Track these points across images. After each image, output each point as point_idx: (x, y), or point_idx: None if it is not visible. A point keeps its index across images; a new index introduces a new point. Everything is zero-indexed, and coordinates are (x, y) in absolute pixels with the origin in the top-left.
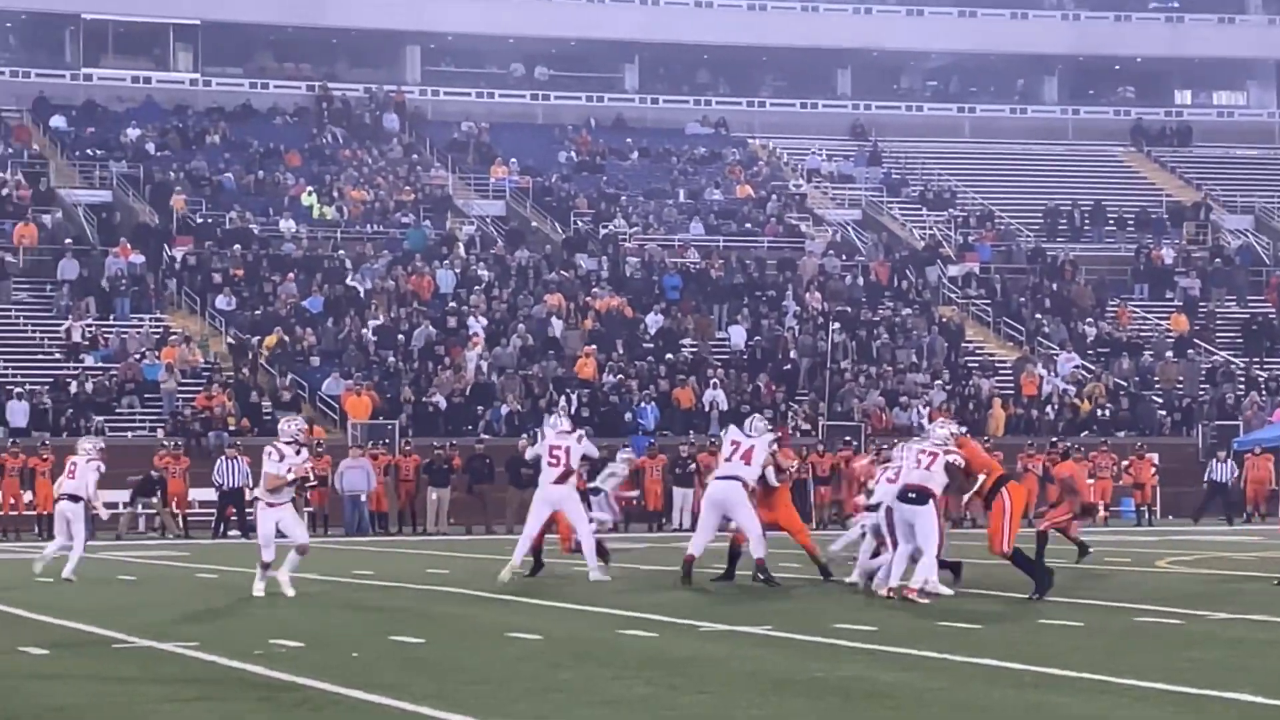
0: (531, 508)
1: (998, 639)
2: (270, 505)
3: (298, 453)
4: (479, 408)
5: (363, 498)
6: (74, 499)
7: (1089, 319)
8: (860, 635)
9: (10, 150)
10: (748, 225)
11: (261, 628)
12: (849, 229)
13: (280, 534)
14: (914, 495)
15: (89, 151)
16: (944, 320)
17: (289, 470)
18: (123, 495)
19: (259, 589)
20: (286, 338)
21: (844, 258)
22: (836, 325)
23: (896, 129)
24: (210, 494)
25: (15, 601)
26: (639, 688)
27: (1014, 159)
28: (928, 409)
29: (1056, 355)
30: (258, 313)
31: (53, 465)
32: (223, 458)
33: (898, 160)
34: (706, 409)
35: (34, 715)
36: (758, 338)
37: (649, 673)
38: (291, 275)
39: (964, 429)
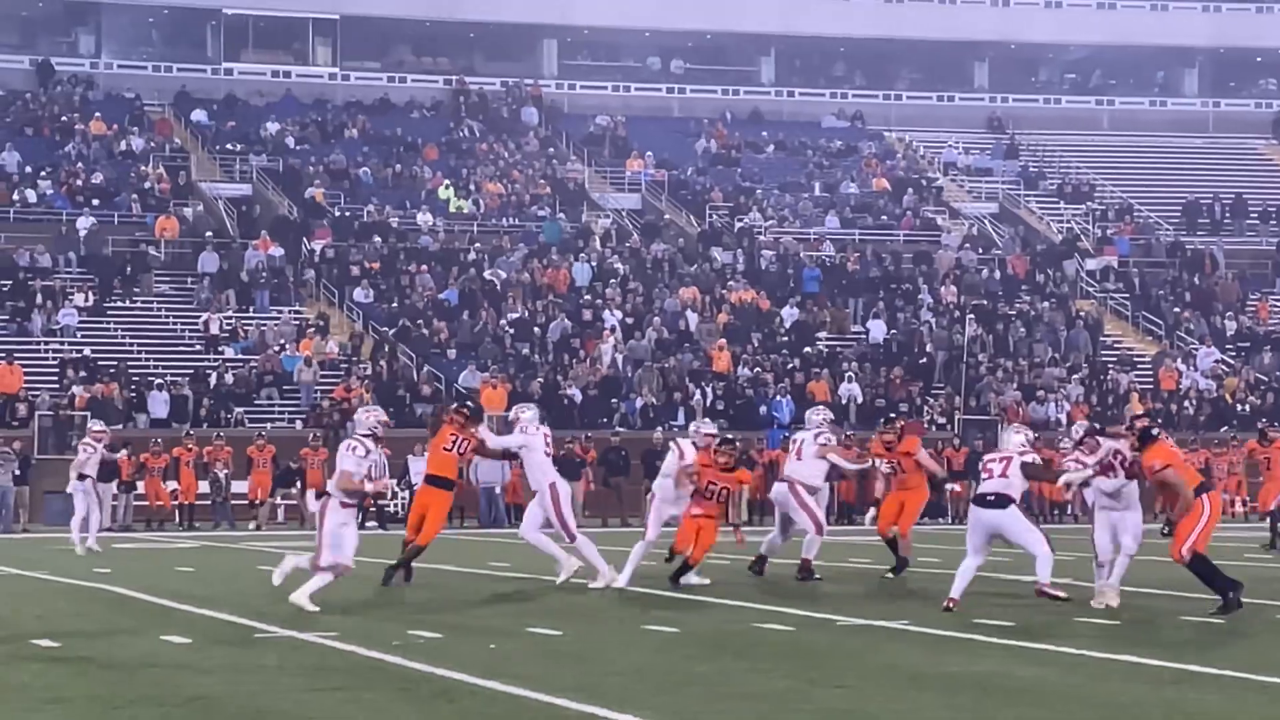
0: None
1: (1136, 635)
2: (344, 505)
3: (376, 443)
4: (613, 400)
5: (497, 489)
6: (82, 478)
7: (1229, 313)
8: (998, 630)
9: (152, 144)
10: (883, 218)
11: (400, 618)
12: (986, 222)
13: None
14: (993, 499)
15: (229, 145)
16: (1082, 314)
17: (369, 476)
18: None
19: (305, 600)
20: (425, 330)
21: (980, 251)
22: (973, 319)
23: (1034, 122)
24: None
25: (158, 591)
26: (776, 681)
27: (1153, 152)
28: (1066, 404)
29: (1196, 350)
30: (394, 305)
31: (195, 457)
32: None
33: (1035, 153)
34: (843, 402)
35: (177, 704)
36: (893, 331)
37: (786, 666)
38: (428, 268)
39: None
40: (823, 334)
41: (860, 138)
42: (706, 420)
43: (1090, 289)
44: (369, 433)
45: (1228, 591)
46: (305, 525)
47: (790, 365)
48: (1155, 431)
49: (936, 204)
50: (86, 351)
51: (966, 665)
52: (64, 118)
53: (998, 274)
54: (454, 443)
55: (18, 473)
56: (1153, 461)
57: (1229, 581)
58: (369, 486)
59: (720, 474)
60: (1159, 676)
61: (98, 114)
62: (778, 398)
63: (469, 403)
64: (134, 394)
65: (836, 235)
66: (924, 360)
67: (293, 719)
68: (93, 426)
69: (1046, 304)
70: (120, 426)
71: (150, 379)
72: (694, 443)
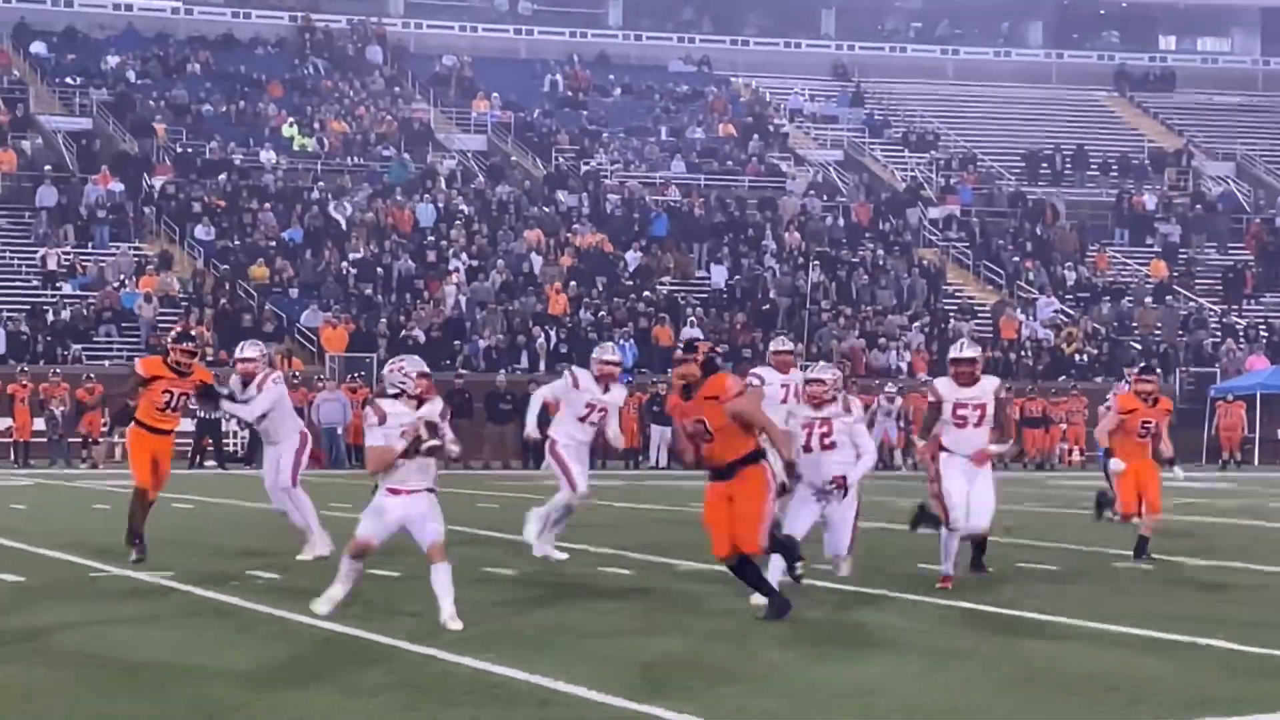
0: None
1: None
2: (393, 491)
3: (418, 407)
4: (456, 342)
5: (339, 430)
6: None
7: (1069, 264)
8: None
9: None
10: (729, 164)
11: (239, 559)
12: (830, 169)
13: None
14: None
15: (69, 79)
16: (924, 262)
17: (400, 433)
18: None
19: (324, 606)
20: (267, 268)
21: (825, 198)
22: (816, 265)
23: (880, 70)
24: (188, 424)
25: None
26: (616, 623)
27: (997, 102)
28: (907, 352)
29: (1036, 299)
30: (237, 243)
31: (30, 393)
32: None
33: (880, 101)
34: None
35: (11, 642)
36: (737, 277)
37: (625, 609)
38: (270, 206)
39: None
40: (666, 279)
41: (707, 83)
42: (609, 345)
43: (933, 238)
44: (398, 390)
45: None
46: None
47: (634, 310)
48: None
49: (782, 150)
50: None
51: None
52: None
53: (841, 221)
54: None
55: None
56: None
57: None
58: (401, 444)
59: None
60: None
61: None
62: (621, 342)
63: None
64: None
65: (682, 180)
66: (767, 306)
67: (130, 658)
68: None
69: (889, 252)
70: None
71: None
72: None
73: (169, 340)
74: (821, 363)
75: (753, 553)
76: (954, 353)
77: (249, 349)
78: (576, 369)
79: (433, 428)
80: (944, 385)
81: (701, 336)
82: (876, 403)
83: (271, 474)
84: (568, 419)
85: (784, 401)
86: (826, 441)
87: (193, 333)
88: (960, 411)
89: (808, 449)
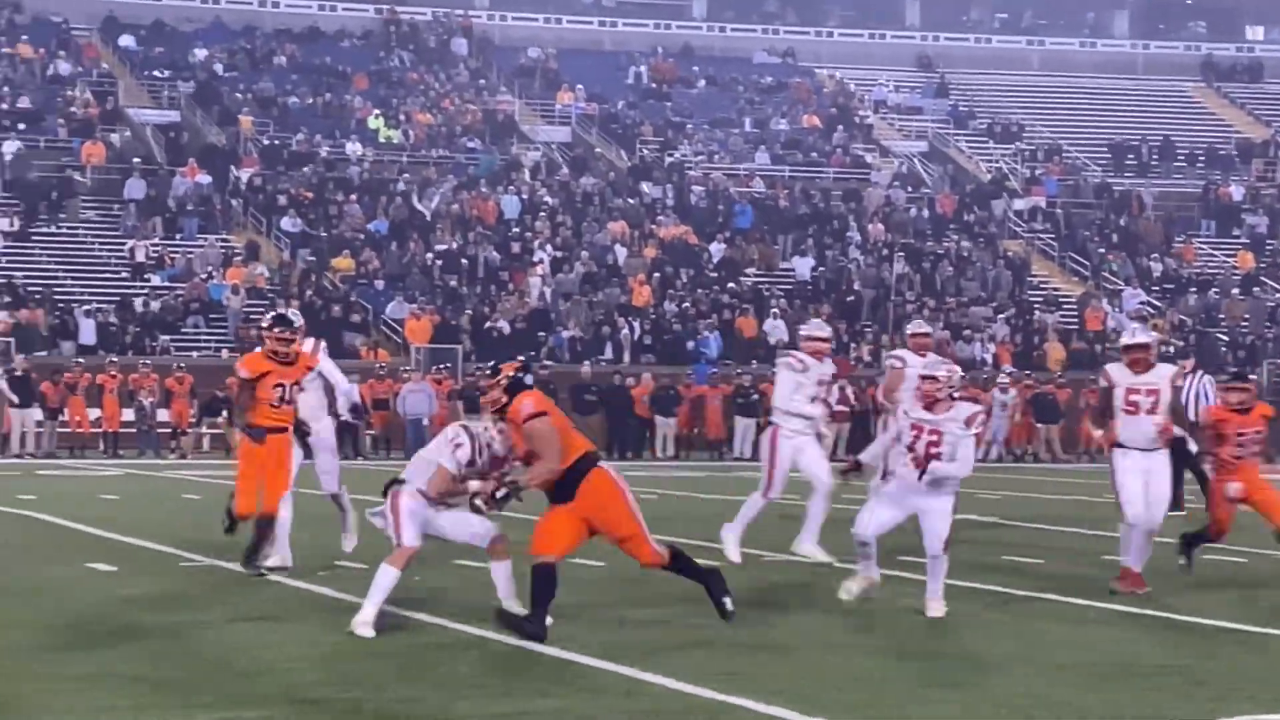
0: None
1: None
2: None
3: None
4: (541, 333)
5: (424, 421)
6: None
7: (1155, 255)
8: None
9: (80, 69)
10: (813, 155)
11: (329, 549)
12: (915, 161)
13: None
14: None
15: (157, 72)
16: (1009, 254)
17: (472, 476)
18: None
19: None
20: (353, 259)
21: (909, 190)
22: (901, 257)
23: (964, 61)
24: None
25: (83, 518)
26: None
27: (1083, 93)
28: (992, 343)
29: (1122, 291)
30: (323, 234)
31: (119, 384)
32: None
33: (965, 93)
34: (770, 340)
35: (104, 632)
36: (821, 269)
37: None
38: (356, 198)
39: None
40: (750, 270)
41: (791, 74)
42: (815, 321)
43: (1018, 229)
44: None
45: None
46: (230, 455)
47: (718, 301)
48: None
49: (866, 142)
50: (13, 277)
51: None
52: None
53: (926, 213)
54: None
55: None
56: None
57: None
58: (473, 486)
59: None
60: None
61: (25, 37)
62: (705, 334)
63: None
64: (59, 320)
65: (766, 171)
66: (851, 298)
67: (218, 647)
68: None
69: (974, 243)
70: (45, 353)
71: (75, 305)
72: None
73: (263, 328)
74: (934, 356)
75: (654, 564)
76: (1126, 339)
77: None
78: (794, 351)
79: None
80: (1116, 371)
81: (785, 329)
82: (992, 396)
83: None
84: (798, 402)
85: None
86: (933, 451)
87: (289, 314)
88: (1133, 398)
89: (910, 450)
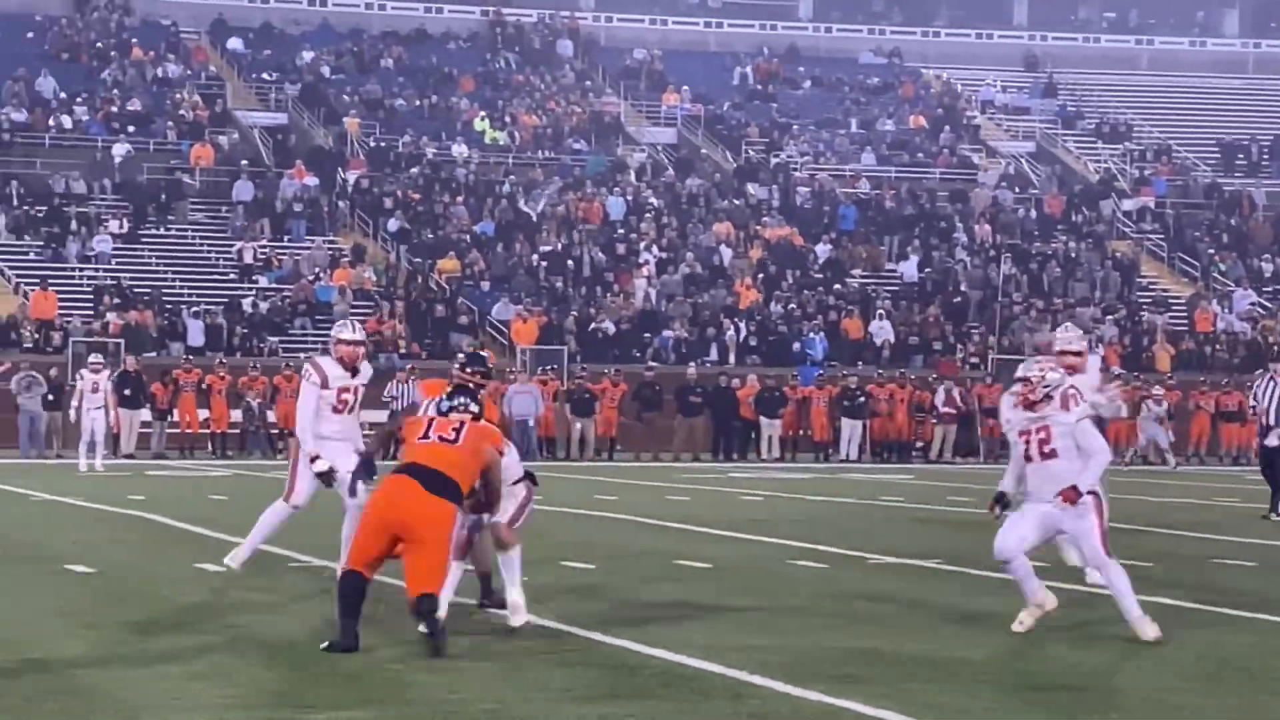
0: None
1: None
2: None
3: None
4: (646, 334)
5: (530, 422)
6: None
7: (1265, 256)
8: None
9: (188, 72)
10: (920, 156)
11: None
12: (1022, 161)
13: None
14: None
15: (265, 74)
16: (1118, 255)
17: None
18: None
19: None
20: (458, 261)
21: (1017, 190)
22: (1008, 258)
23: (1072, 60)
24: (381, 415)
25: (193, 518)
26: (810, 619)
27: (1192, 92)
28: (1100, 345)
29: (1232, 292)
30: (430, 236)
31: (228, 385)
32: (393, 380)
33: (1073, 92)
34: (875, 341)
35: (213, 631)
36: (927, 269)
37: (817, 603)
38: (462, 199)
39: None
40: (857, 271)
41: (898, 74)
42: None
43: (1126, 229)
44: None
45: None
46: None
47: (823, 302)
48: None
49: (973, 142)
50: (122, 279)
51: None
52: (100, 44)
53: (1034, 213)
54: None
55: (50, 398)
56: None
57: None
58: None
59: None
60: None
61: (134, 40)
62: (810, 335)
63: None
64: (168, 321)
65: (872, 172)
66: (958, 299)
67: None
68: (91, 359)
69: (1082, 244)
70: (154, 354)
71: (184, 307)
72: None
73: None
74: (1027, 359)
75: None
76: None
77: (353, 330)
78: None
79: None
80: None
81: (890, 330)
82: (1145, 406)
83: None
84: None
85: None
86: (1046, 449)
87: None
88: None
89: (1028, 459)
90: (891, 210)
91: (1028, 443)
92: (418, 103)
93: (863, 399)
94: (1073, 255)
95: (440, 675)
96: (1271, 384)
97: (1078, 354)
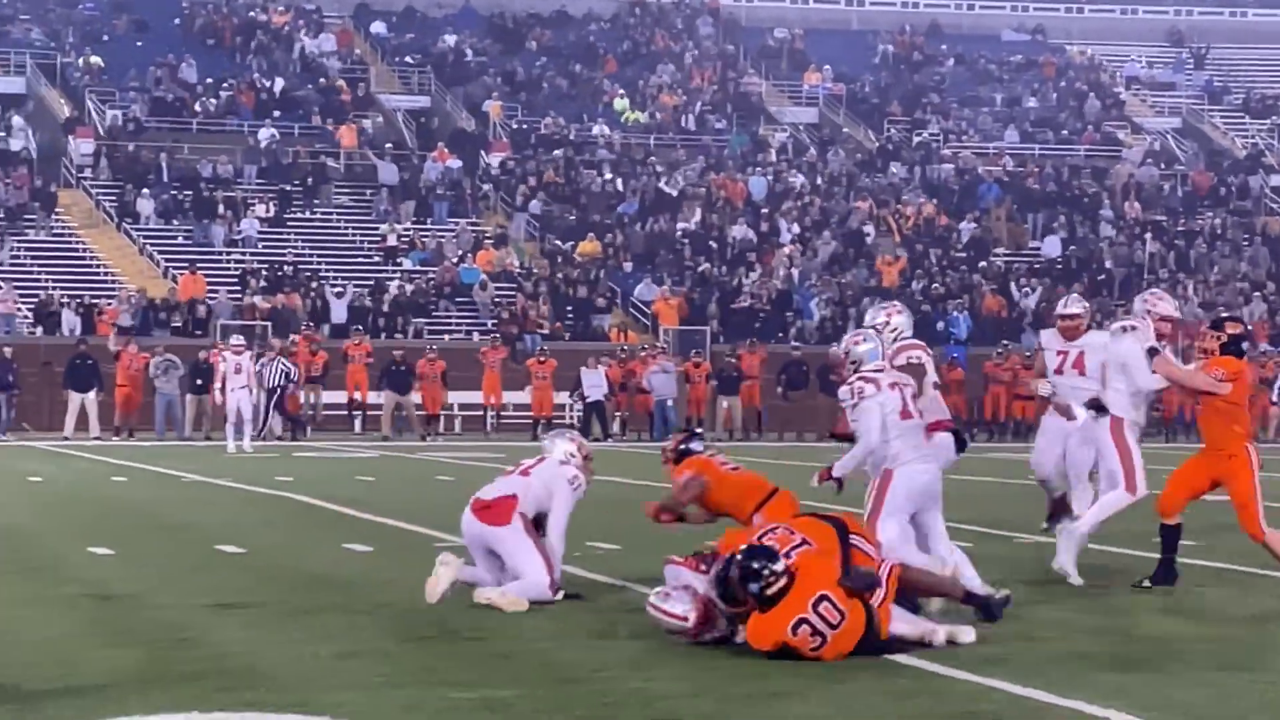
0: None
1: None
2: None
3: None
4: (788, 314)
5: (669, 403)
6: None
7: None
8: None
9: (333, 56)
10: (1064, 133)
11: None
12: (1168, 137)
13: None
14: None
15: (408, 57)
16: (1266, 231)
17: None
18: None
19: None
20: (599, 242)
21: (1162, 166)
22: (1152, 235)
23: (1218, 34)
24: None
25: (340, 499)
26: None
27: None
28: (1250, 321)
29: None
30: (571, 217)
31: (371, 364)
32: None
33: (1220, 67)
34: (1018, 319)
35: (362, 611)
36: (1072, 247)
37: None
38: (605, 180)
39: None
40: (1000, 249)
41: (1041, 51)
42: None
43: (1275, 205)
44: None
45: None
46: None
47: (967, 281)
48: None
49: (1118, 118)
50: (266, 262)
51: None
52: (245, 29)
53: (1179, 190)
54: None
55: (199, 382)
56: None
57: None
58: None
59: None
60: None
61: (279, 25)
62: (954, 313)
63: None
64: (315, 304)
65: (1016, 150)
66: (1103, 277)
67: (473, 627)
68: (232, 340)
69: (1229, 221)
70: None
71: (329, 289)
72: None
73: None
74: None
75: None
76: None
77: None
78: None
79: None
80: None
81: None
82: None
83: None
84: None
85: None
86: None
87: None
88: None
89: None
90: (1035, 188)
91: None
92: (559, 84)
93: (1009, 377)
94: (1219, 232)
95: (588, 654)
96: None
97: (1073, 317)
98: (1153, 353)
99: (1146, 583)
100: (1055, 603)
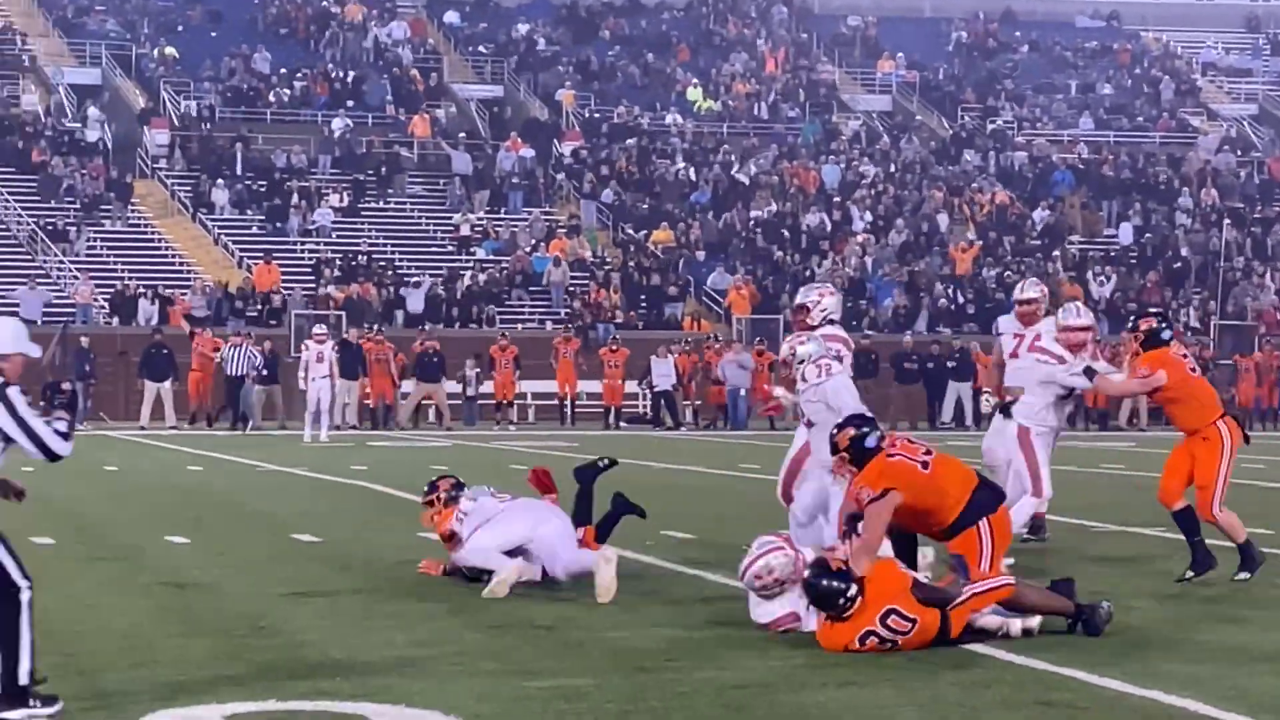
0: None
1: None
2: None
3: None
4: (862, 302)
5: (742, 392)
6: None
7: None
8: None
9: (406, 45)
10: (1139, 120)
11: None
12: (1244, 124)
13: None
14: None
15: (481, 47)
16: None
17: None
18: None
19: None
20: (672, 231)
21: (1239, 153)
22: (1229, 222)
23: None
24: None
25: (414, 488)
26: None
27: None
28: None
29: None
30: (644, 206)
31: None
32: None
33: None
34: (1093, 307)
35: (438, 600)
36: (1147, 235)
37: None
38: (677, 168)
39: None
40: (1074, 237)
41: (1115, 37)
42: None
43: None
44: None
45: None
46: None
47: (1042, 268)
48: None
49: (1193, 105)
50: (340, 252)
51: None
52: (319, 19)
53: (1256, 176)
54: None
55: (265, 372)
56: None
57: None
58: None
59: None
60: None
61: (352, 15)
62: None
63: None
64: (390, 293)
65: (1090, 137)
66: (1178, 264)
67: (549, 616)
68: (315, 330)
69: None
70: (374, 327)
71: (404, 278)
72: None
73: None
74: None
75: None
76: None
77: None
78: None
79: None
80: None
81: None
82: None
83: None
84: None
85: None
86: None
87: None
88: None
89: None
90: (1109, 175)
91: None
92: (632, 72)
93: None
94: None
95: (661, 643)
96: None
97: (1030, 302)
98: (1089, 373)
99: (1190, 574)
100: (1125, 595)
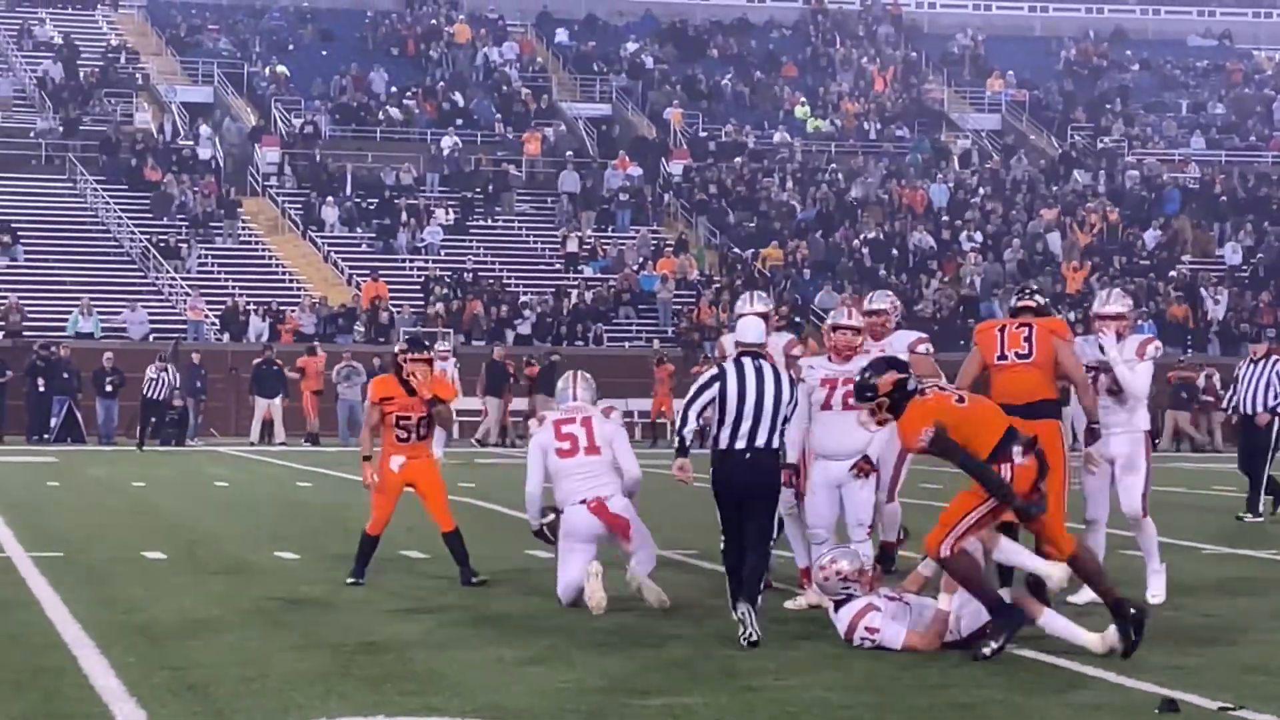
0: None
1: None
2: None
3: None
4: (971, 321)
5: None
6: None
7: None
8: None
9: (515, 64)
10: (1252, 139)
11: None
12: None
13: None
14: None
15: (590, 66)
16: None
17: None
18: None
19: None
20: (780, 249)
21: None
22: None
23: None
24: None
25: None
26: None
27: None
28: None
29: None
30: (751, 225)
31: (538, 373)
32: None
33: None
34: (1205, 327)
35: (560, 616)
36: (1259, 255)
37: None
38: (785, 187)
39: None
40: (1186, 256)
41: (1228, 56)
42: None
43: None
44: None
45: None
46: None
47: (1153, 288)
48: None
49: None
50: (449, 269)
51: None
52: (429, 38)
53: None
54: None
55: None
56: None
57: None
58: None
59: None
60: None
61: (463, 35)
62: (1140, 322)
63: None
64: (500, 311)
65: (1202, 156)
66: None
67: (651, 633)
68: (438, 347)
69: None
70: (484, 344)
71: (513, 296)
72: None
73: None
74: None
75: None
76: None
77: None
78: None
79: None
80: None
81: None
82: None
83: None
84: None
85: None
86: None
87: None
88: None
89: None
90: (1222, 195)
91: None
92: (740, 91)
93: (1184, 394)
94: None
95: (769, 661)
96: None
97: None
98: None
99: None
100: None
